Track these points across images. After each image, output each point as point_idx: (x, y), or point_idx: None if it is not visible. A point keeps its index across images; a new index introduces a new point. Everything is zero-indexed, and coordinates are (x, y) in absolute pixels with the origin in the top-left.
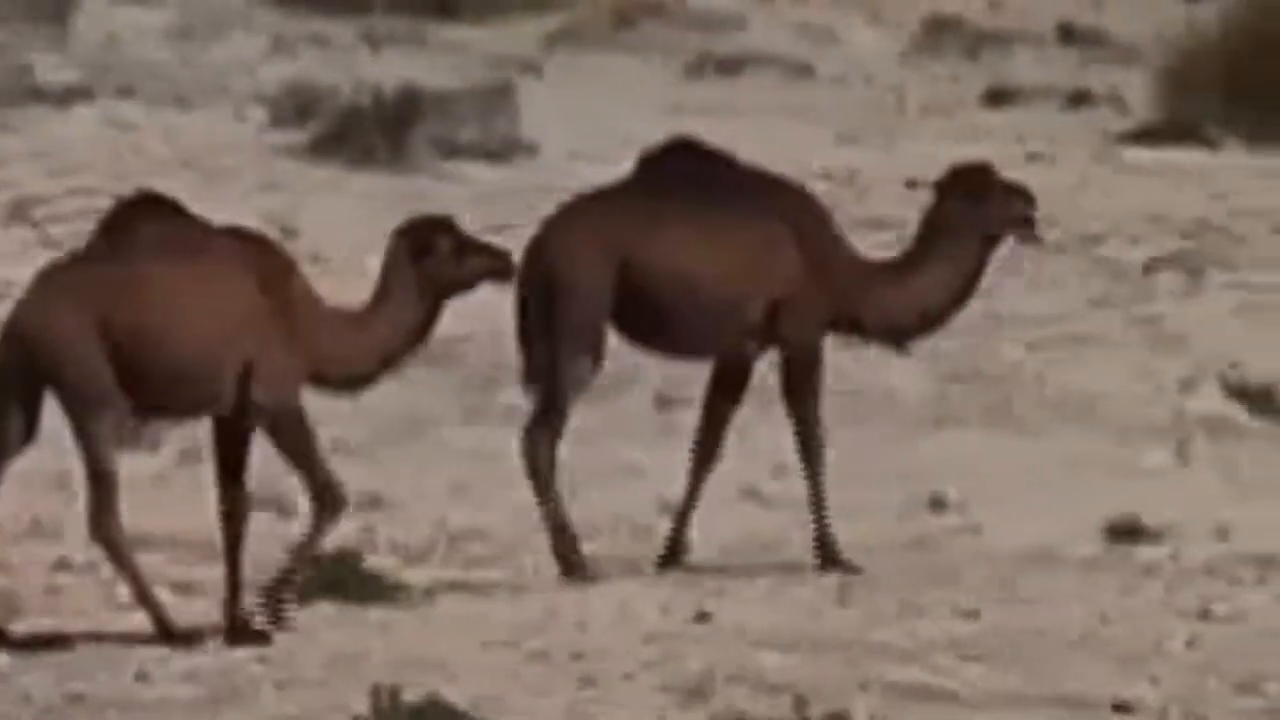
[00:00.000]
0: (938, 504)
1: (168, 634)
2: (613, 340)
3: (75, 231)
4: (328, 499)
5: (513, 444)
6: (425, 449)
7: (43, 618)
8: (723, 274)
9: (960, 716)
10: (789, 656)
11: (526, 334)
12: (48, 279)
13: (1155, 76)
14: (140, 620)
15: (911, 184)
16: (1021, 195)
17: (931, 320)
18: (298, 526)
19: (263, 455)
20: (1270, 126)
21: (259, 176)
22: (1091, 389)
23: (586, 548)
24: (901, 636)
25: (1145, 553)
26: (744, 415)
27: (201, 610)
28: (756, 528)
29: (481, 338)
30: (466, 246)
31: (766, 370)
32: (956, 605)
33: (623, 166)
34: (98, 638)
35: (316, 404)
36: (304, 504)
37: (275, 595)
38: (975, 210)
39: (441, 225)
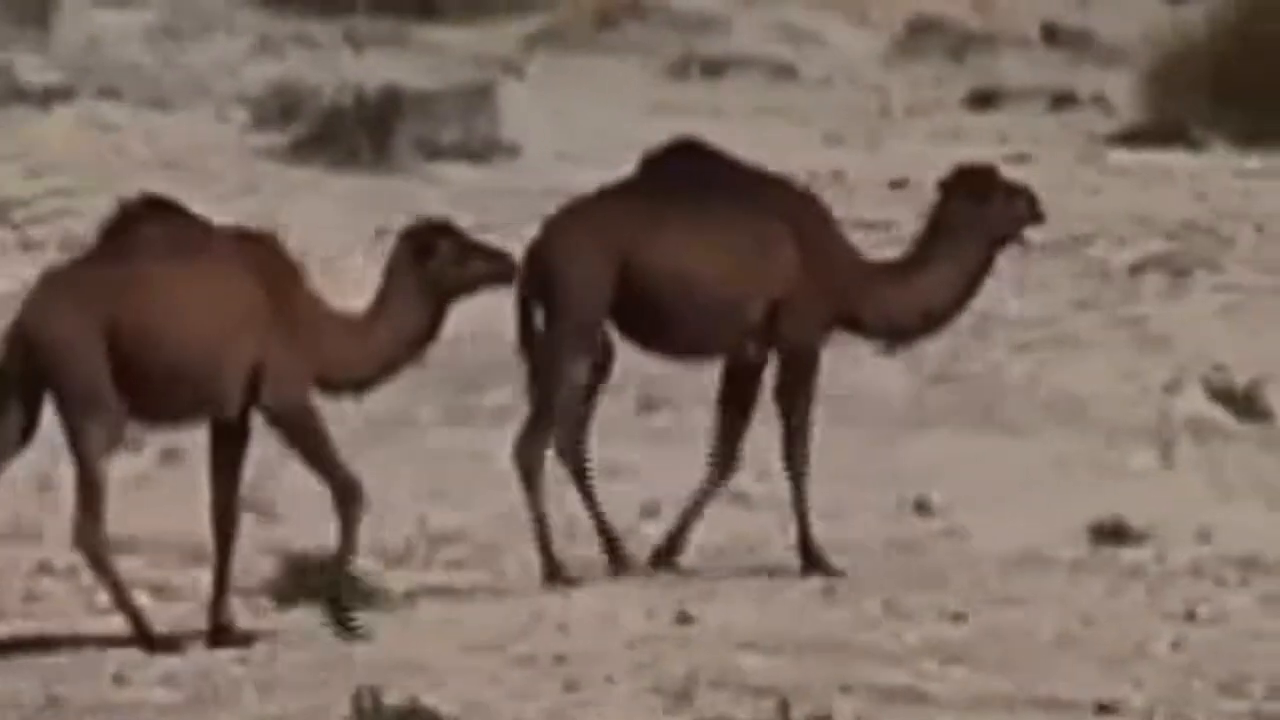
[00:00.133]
0: (923, 506)
1: (147, 641)
2: None
3: (55, 233)
4: (349, 494)
5: (495, 446)
6: (407, 450)
7: (23, 621)
8: (723, 274)
9: (944, 719)
10: (773, 659)
11: (528, 336)
12: (51, 281)
13: (1141, 78)
14: (120, 623)
15: (896, 185)
16: (1024, 197)
17: (934, 321)
18: (280, 531)
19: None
20: (1256, 128)
21: (241, 178)
22: (1077, 390)
23: (569, 551)
24: (886, 639)
25: (1130, 554)
26: None
27: (180, 615)
28: (741, 530)
29: (463, 339)
30: (468, 249)
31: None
32: (941, 607)
33: (605, 167)
34: (77, 641)
35: None
36: (286, 508)
37: (338, 604)
38: (979, 211)
39: (443, 228)
